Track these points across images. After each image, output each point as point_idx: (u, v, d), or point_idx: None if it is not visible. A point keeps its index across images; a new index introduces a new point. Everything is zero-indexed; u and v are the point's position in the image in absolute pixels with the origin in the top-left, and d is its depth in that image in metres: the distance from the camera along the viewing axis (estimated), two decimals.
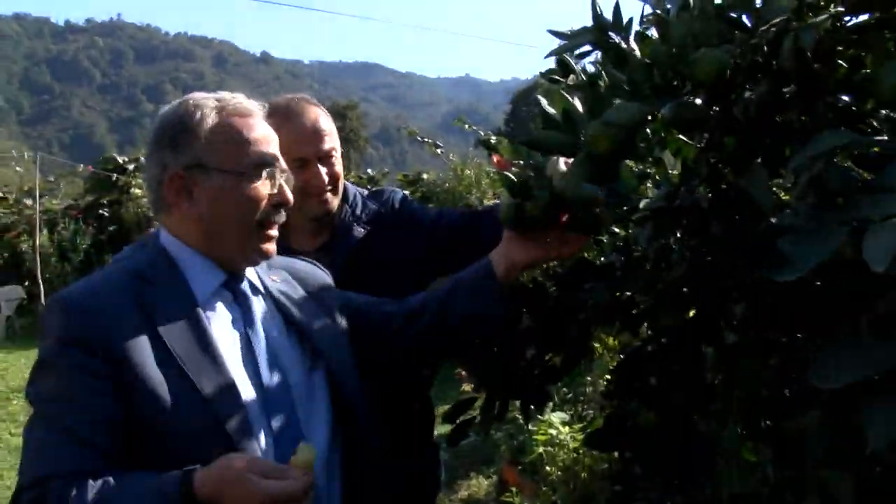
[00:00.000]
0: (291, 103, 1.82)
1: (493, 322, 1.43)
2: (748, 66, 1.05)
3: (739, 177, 1.20)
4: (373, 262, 1.81)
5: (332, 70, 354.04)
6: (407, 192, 2.15)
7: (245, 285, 1.35)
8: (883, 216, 0.78)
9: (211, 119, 1.29)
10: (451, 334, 1.48)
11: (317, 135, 1.81)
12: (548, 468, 3.21)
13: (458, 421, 1.55)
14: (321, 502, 1.30)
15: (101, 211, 12.38)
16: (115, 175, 12.34)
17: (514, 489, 3.70)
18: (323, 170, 1.80)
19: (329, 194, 1.83)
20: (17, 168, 15.71)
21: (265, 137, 1.34)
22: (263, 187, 1.30)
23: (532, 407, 1.55)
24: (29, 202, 12.06)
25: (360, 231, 1.89)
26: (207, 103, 1.30)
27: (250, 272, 1.38)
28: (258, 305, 1.36)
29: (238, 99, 1.35)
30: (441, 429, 5.46)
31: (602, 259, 1.51)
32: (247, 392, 1.24)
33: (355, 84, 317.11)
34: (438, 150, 7.64)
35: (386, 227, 1.92)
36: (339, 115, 53.32)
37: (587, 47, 1.24)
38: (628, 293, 1.41)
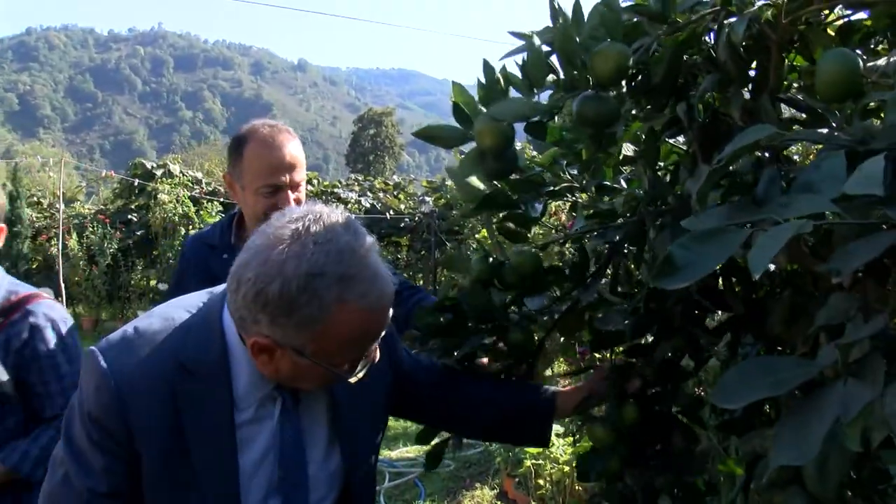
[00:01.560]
0: (274, 132, 1.99)
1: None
2: (676, 60, 0.99)
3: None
4: None
5: (370, 77, 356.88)
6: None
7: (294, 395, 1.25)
8: (788, 217, 0.71)
9: (332, 310, 1.06)
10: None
11: (292, 165, 1.97)
12: (539, 481, 3.14)
13: (432, 443, 1.54)
14: None
15: (129, 216, 12.54)
16: (136, 181, 12.48)
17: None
18: (291, 196, 1.96)
19: None
20: (51, 174, 16.02)
21: (379, 327, 1.14)
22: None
23: None
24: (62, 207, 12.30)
25: None
26: (328, 296, 1.05)
27: None
28: (306, 398, 1.26)
29: (373, 280, 1.09)
30: (421, 446, 5.44)
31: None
32: (257, 484, 1.20)
33: (392, 91, 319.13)
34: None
35: None
36: (374, 121, 53.68)
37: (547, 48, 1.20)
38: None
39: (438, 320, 1.38)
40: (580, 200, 1.39)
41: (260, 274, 1.05)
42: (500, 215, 1.39)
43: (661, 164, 1.35)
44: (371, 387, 1.27)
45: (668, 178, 1.29)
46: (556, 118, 1.13)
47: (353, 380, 1.15)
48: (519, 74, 1.12)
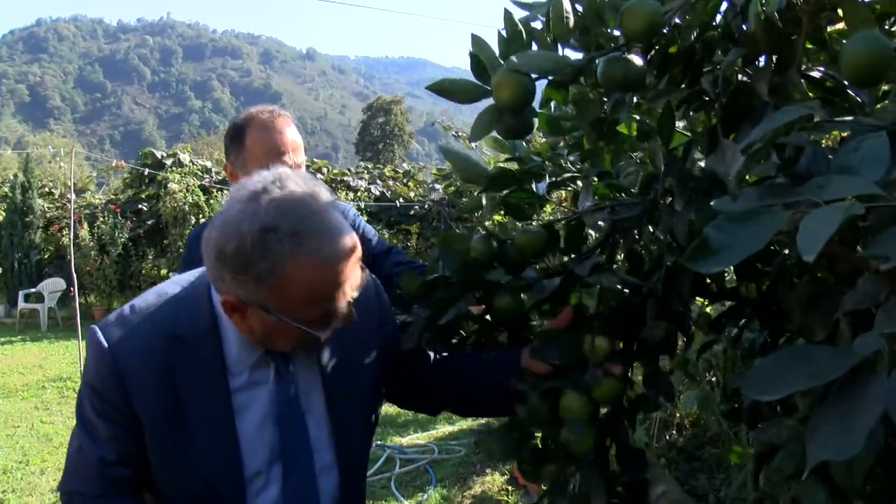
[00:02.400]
0: (273, 117, 2.02)
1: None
2: (708, 31, 0.95)
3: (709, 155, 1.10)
4: None
5: (378, 65, 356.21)
6: (357, 212, 2.36)
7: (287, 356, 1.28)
8: (828, 200, 0.67)
9: (287, 264, 1.08)
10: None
11: (293, 147, 2.03)
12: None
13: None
14: None
15: (139, 205, 12.57)
16: (146, 171, 12.49)
17: (525, 486, 3.62)
18: None
19: None
20: (62, 164, 16.07)
21: (335, 282, 1.13)
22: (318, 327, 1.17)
23: None
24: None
25: None
26: (280, 250, 1.07)
27: None
28: (298, 363, 1.29)
29: (328, 234, 1.10)
30: (445, 427, 5.39)
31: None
32: (258, 453, 1.23)
33: (401, 79, 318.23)
34: (473, 146, 7.64)
35: None
36: (383, 110, 53.53)
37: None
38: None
39: (423, 285, 1.32)
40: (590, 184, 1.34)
41: (220, 234, 1.10)
42: (505, 193, 1.34)
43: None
44: (360, 356, 1.34)
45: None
46: (581, 79, 1.07)
47: (322, 337, 1.17)
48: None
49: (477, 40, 1.07)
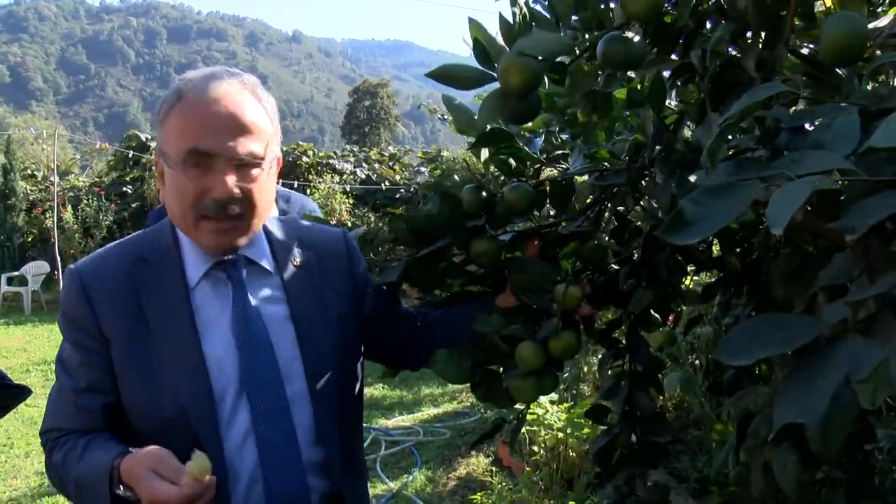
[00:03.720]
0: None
1: None
2: (703, 3, 0.96)
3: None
4: None
5: (365, 48, 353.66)
6: (316, 205, 2.38)
7: (241, 265, 1.33)
8: (801, 174, 0.69)
9: (169, 105, 1.24)
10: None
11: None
12: (533, 448, 3.15)
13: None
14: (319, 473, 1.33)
15: (124, 188, 12.48)
16: (131, 153, 12.40)
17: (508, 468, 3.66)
18: None
19: None
20: (44, 147, 15.90)
21: (204, 125, 1.21)
22: (191, 179, 1.21)
23: None
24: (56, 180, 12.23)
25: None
26: (175, 86, 1.26)
27: (255, 251, 1.35)
28: (258, 284, 1.34)
29: (203, 79, 1.24)
30: (430, 410, 5.41)
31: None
32: (226, 374, 1.26)
33: (387, 62, 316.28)
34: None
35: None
36: (370, 93, 53.19)
37: None
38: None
39: (409, 227, 1.33)
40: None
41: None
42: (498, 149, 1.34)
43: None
44: (327, 288, 1.39)
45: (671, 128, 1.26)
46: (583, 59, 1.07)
47: (195, 180, 1.21)
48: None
49: (475, 24, 1.05)
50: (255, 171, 1.24)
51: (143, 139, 12.96)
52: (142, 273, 1.29)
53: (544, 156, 1.44)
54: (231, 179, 1.21)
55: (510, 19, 1.04)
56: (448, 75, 1.07)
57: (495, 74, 1.01)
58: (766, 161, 0.75)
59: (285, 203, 2.22)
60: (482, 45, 1.03)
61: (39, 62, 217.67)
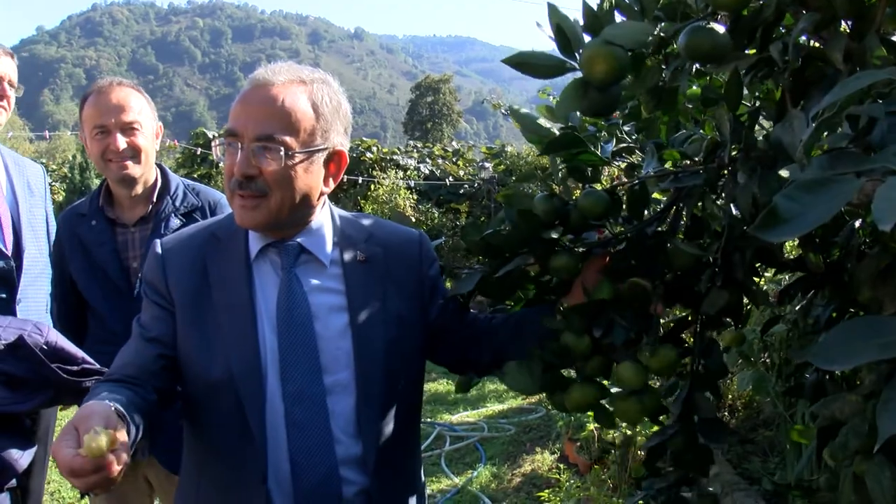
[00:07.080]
0: (105, 83, 2.21)
1: None
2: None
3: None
4: None
5: (426, 44, 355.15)
6: (222, 195, 2.39)
7: (293, 251, 1.40)
8: None
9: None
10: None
11: (119, 108, 2.17)
12: (601, 445, 3.10)
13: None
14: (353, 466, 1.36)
15: None
16: (199, 150, 12.70)
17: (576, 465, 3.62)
18: (123, 139, 2.15)
19: (129, 161, 2.18)
20: None
21: (238, 108, 1.33)
22: (228, 156, 1.33)
23: None
24: None
25: (175, 222, 2.24)
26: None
27: (313, 241, 1.42)
28: (311, 273, 1.41)
29: (261, 69, 1.37)
30: (495, 406, 5.38)
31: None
32: (272, 351, 1.35)
33: (449, 58, 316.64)
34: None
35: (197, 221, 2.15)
36: (431, 89, 53.36)
37: None
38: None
39: (483, 239, 1.32)
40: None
41: None
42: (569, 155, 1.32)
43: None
44: (391, 288, 1.43)
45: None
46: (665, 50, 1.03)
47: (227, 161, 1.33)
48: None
49: (555, 11, 1.01)
50: (276, 154, 1.28)
51: (210, 136, 13.26)
52: (212, 247, 1.43)
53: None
54: (249, 158, 1.28)
55: (593, 7, 1.01)
56: (526, 62, 1.04)
57: (576, 64, 0.98)
58: (864, 155, 0.71)
59: (195, 196, 2.32)
60: (564, 33, 0.99)
61: (112, 64, 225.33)
